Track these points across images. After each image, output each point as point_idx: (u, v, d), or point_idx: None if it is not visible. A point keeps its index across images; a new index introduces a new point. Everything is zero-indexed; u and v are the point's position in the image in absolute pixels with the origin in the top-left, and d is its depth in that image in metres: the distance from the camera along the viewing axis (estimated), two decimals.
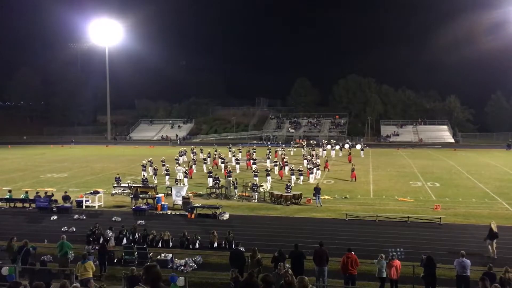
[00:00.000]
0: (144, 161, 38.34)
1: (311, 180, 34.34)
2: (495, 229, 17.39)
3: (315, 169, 36.16)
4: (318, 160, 39.87)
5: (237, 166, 39.01)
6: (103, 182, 35.03)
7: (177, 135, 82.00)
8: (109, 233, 19.25)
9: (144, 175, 35.88)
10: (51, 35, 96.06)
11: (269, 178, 32.53)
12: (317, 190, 26.78)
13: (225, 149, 51.14)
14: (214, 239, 18.94)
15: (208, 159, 43.43)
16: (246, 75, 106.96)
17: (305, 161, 42.22)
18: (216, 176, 31.47)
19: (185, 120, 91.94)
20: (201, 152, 49.03)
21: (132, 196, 26.89)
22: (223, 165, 39.46)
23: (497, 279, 12.78)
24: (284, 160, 40.65)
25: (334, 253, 15.93)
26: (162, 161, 39.93)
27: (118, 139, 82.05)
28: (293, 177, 33.82)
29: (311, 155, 44.15)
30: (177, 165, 39.51)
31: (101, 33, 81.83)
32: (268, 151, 47.54)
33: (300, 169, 35.25)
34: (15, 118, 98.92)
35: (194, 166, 39.34)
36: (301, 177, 34.50)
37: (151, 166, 37.65)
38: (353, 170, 36.04)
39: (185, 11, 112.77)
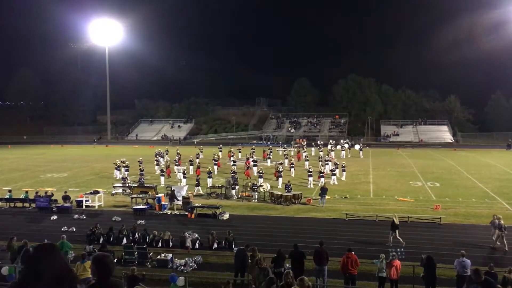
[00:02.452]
0: (117, 161, 38.24)
1: (334, 182, 33.48)
2: (397, 222, 19.02)
3: (337, 171, 35.05)
4: (343, 162, 38.48)
5: (234, 167, 38.12)
6: (103, 182, 35.04)
7: (165, 135, 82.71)
8: (186, 235, 19.03)
9: (116, 175, 36.12)
10: (51, 35, 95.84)
11: (280, 179, 32.14)
12: (323, 191, 26.82)
13: (216, 149, 50.62)
14: (213, 240, 18.93)
15: (197, 160, 42.94)
16: (246, 75, 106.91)
17: (306, 163, 42.12)
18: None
19: (185, 120, 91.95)
20: (177, 154, 46.92)
21: (169, 197, 26.48)
22: (215, 167, 39.27)
23: (500, 279, 12.78)
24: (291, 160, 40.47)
25: (334, 253, 15.93)
26: (139, 161, 39.63)
27: (89, 140, 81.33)
28: (311, 178, 32.86)
29: (328, 157, 43.45)
30: (157, 164, 39.66)
31: (101, 33, 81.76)
32: (269, 151, 47.57)
33: (321, 170, 34.60)
34: (15, 118, 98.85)
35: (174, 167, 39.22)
36: (322, 179, 32.76)
37: (137, 165, 37.69)
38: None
39: (185, 11, 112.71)
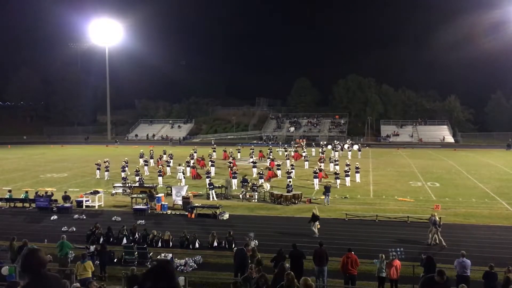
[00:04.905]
0: (99, 161, 38.24)
1: (348, 184, 33.07)
2: (316, 213, 20.65)
3: (349, 172, 34.06)
4: (357, 163, 36.98)
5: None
6: (103, 182, 35.04)
7: (154, 134, 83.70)
8: (251, 238, 18.15)
9: (98, 175, 36.22)
10: (51, 35, 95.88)
11: (289, 180, 31.57)
12: (326, 189, 26.83)
13: (210, 150, 50.03)
14: (214, 239, 18.94)
15: (192, 160, 42.78)
16: (246, 75, 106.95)
17: (306, 163, 42.01)
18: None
19: (185, 120, 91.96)
20: (164, 154, 46.63)
21: (148, 196, 26.53)
22: (213, 168, 39.07)
23: (498, 279, 12.79)
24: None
25: (334, 253, 15.94)
26: (125, 161, 39.47)
27: (90, 139, 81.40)
28: (316, 180, 32.02)
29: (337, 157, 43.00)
30: (146, 165, 39.82)
31: (101, 33, 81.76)
32: (269, 151, 47.52)
33: (337, 172, 34.20)
34: (15, 118, 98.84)
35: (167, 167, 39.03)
36: (338, 180, 32.44)
37: (125, 166, 37.49)
38: (320, 170, 34.59)
39: (185, 11, 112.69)
